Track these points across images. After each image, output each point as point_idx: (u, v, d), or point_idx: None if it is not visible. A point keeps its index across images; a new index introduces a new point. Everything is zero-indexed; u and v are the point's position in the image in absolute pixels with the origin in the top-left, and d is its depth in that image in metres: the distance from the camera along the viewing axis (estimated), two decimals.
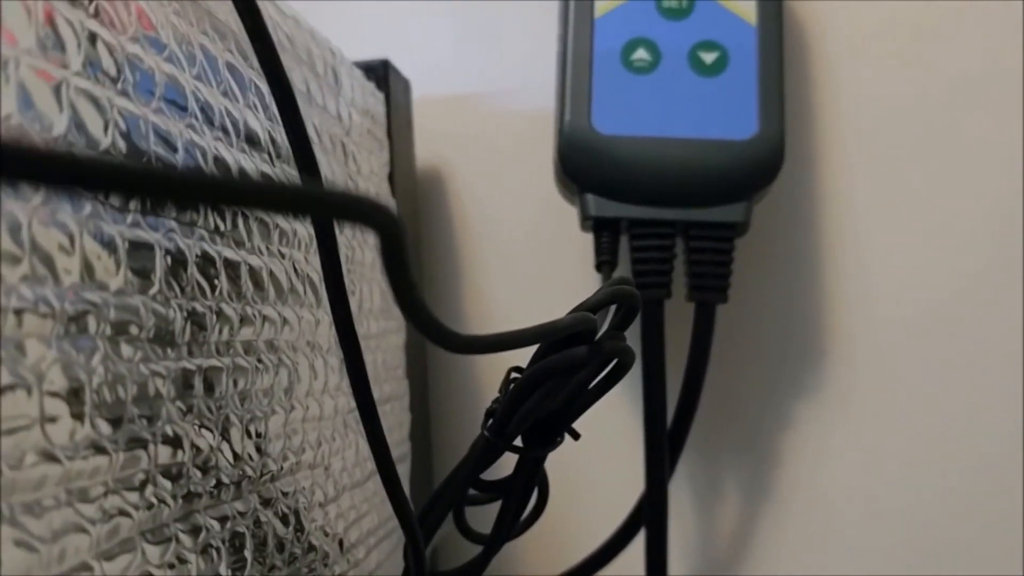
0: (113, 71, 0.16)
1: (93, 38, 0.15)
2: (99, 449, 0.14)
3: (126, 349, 0.15)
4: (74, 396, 0.14)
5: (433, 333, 0.14)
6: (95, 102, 0.15)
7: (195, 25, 0.19)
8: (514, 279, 0.39)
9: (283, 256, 0.22)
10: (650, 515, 0.33)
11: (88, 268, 0.14)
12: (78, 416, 0.14)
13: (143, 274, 0.16)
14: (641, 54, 0.32)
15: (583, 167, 0.32)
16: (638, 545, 0.34)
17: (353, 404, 0.23)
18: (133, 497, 0.15)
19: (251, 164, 0.20)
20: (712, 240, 0.32)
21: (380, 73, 0.34)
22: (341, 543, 0.24)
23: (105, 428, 0.14)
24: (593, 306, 0.20)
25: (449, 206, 0.40)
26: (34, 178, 0.07)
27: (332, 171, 0.26)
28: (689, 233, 0.32)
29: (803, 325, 0.37)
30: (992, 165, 0.35)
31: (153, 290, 0.16)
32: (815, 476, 0.37)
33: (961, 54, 0.36)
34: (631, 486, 0.34)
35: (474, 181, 0.40)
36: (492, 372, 0.39)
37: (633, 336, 0.33)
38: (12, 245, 0.13)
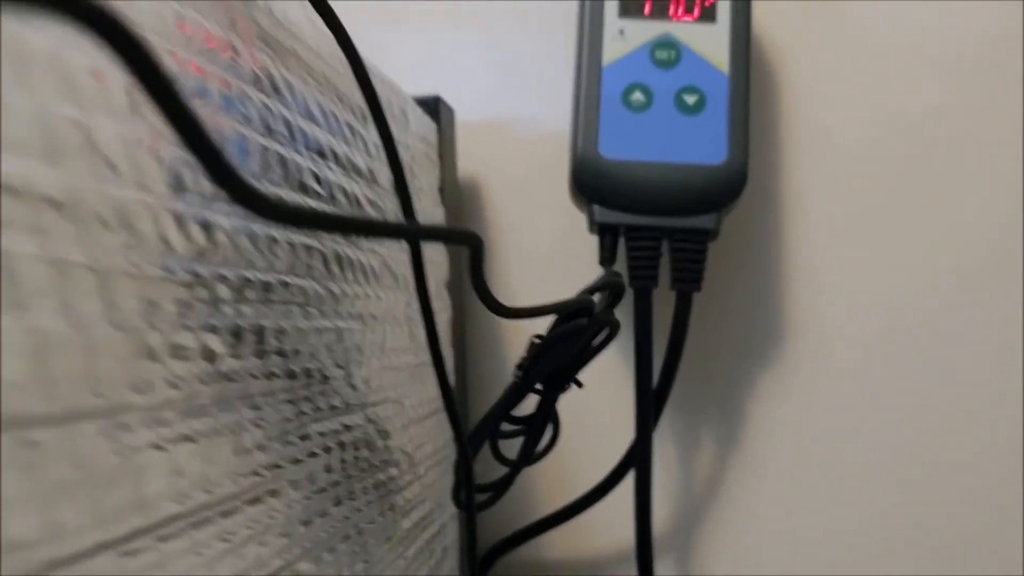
0: (285, 132, 0.25)
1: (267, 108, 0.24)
2: (272, 375, 0.23)
3: (278, 307, 0.24)
4: (237, 337, 0.23)
5: (495, 306, 0.23)
6: (281, 158, 0.24)
7: (325, 95, 0.28)
8: (535, 272, 0.47)
9: (375, 252, 0.31)
10: (638, 459, 0.41)
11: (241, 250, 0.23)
12: (258, 355, 0.23)
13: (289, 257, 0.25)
14: (638, 96, 0.41)
15: (591, 184, 0.39)
16: (628, 483, 0.42)
17: (416, 361, 0.32)
18: (286, 409, 0.24)
19: (358, 189, 0.29)
20: (690, 242, 0.39)
21: (432, 106, 0.42)
22: (411, 460, 0.33)
23: (263, 360, 0.23)
24: (591, 290, 0.29)
25: (483, 213, 0.47)
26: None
27: None
28: (673, 237, 0.39)
29: (763, 310, 0.45)
30: (937, 165, 0.43)
31: (297, 269, 0.25)
32: (776, 428, 0.44)
33: (913, 86, 0.44)
34: (623, 435, 0.42)
35: (504, 193, 0.47)
36: (511, 346, 0.47)
37: (628, 320, 0.42)
38: (203, 238, 0.22)
